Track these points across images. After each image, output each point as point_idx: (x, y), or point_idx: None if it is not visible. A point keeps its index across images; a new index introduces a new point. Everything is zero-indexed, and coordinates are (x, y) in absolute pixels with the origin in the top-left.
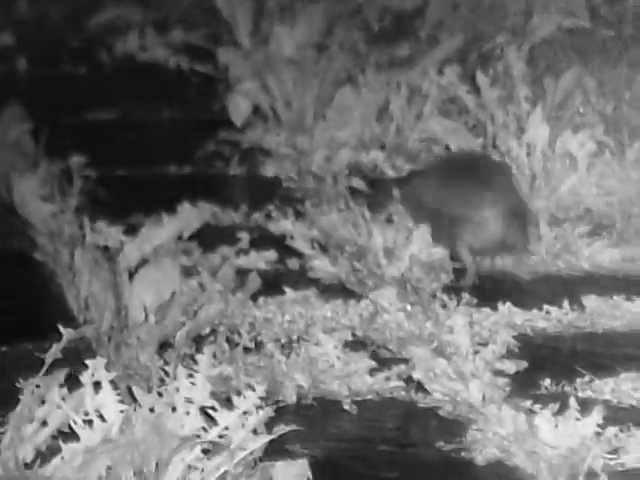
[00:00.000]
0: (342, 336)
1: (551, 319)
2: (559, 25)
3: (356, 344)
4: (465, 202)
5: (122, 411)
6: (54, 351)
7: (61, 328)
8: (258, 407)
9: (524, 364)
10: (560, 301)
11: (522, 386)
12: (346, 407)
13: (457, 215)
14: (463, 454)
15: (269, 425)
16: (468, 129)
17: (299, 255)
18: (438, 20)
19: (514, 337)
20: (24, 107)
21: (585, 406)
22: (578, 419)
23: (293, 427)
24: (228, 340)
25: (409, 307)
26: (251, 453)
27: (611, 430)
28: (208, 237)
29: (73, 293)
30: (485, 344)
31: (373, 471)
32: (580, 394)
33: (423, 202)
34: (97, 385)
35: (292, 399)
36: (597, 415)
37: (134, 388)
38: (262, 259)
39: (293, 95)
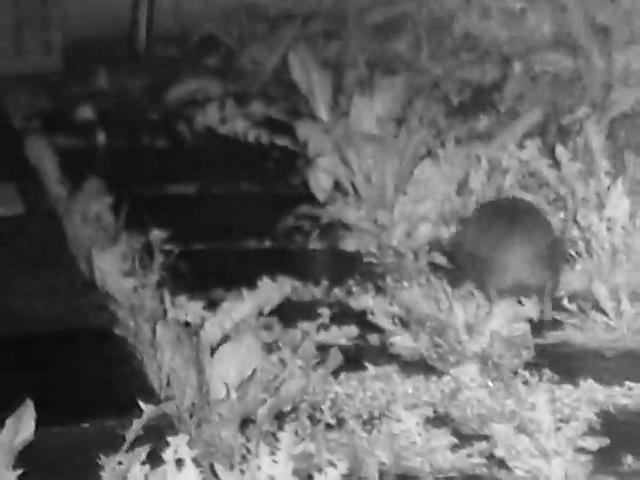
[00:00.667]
0: (423, 412)
1: (633, 395)
2: (638, 98)
3: (437, 420)
4: (492, 245)
5: None
6: (135, 428)
7: (142, 404)
8: None
9: (606, 441)
10: None
11: (604, 463)
12: None
13: (486, 258)
14: None
15: None
16: (548, 203)
17: (380, 331)
18: (517, 93)
19: (596, 414)
20: (104, 181)
21: None
22: None
23: None
24: (310, 417)
25: (490, 383)
26: None
27: None
28: (289, 312)
29: (154, 369)
30: (567, 421)
31: None
32: None
33: (463, 247)
34: (179, 462)
35: (374, 476)
36: None
37: (216, 465)
38: (343, 335)
39: (373, 169)
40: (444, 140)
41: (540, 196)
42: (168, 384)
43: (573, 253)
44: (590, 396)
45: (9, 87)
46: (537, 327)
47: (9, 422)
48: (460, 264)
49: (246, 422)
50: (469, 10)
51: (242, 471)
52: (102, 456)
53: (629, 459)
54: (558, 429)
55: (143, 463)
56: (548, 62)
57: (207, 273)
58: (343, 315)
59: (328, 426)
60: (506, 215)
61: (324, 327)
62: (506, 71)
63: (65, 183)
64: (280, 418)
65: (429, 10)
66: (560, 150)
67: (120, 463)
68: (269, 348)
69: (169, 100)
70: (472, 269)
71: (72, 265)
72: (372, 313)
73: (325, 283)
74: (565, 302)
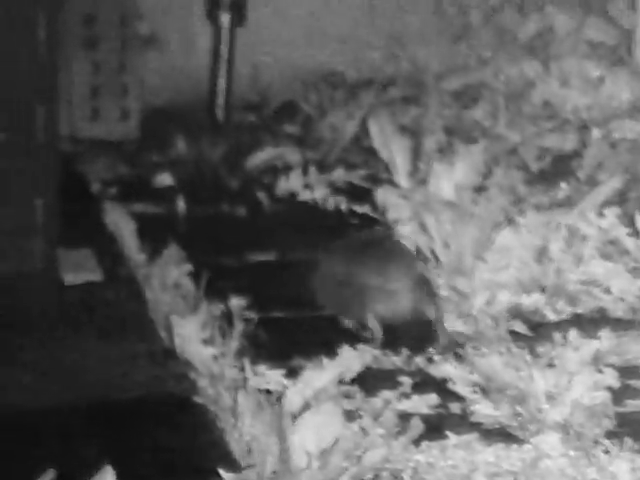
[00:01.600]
0: None
1: None
2: None
3: None
4: (376, 274)
5: None
6: None
7: (223, 473)
8: None
9: None
10: None
11: None
12: None
13: (368, 286)
14: None
15: None
16: (629, 271)
17: (461, 399)
18: (597, 161)
19: None
20: (183, 248)
21: None
22: None
23: None
24: None
25: (572, 452)
26: None
27: None
28: (369, 381)
29: (235, 437)
30: None
31: None
32: None
33: (330, 277)
34: None
35: None
36: None
37: None
38: (424, 403)
39: (452, 236)
40: (523, 207)
41: (620, 264)
42: (249, 452)
43: None
44: None
45: (87, 153)
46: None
47: None
48: (323, 294)
49: None
50: (547, 77)
51: None
52: None
53: None
54: None
55: None
56: (627, 129)
57: (287, 341)
58: (424, 383)
59: None
60: (376, 247)
61: (405, 395)
62: (585, 138)
63: (144, 250)
64: None
65: (506, 77)
66: None
67: None
68: (350, 416)
69: (248, 167)
70: (345, 297)
71: (152, 333)
72: (452, 381)
73: (406, 351)
74: None
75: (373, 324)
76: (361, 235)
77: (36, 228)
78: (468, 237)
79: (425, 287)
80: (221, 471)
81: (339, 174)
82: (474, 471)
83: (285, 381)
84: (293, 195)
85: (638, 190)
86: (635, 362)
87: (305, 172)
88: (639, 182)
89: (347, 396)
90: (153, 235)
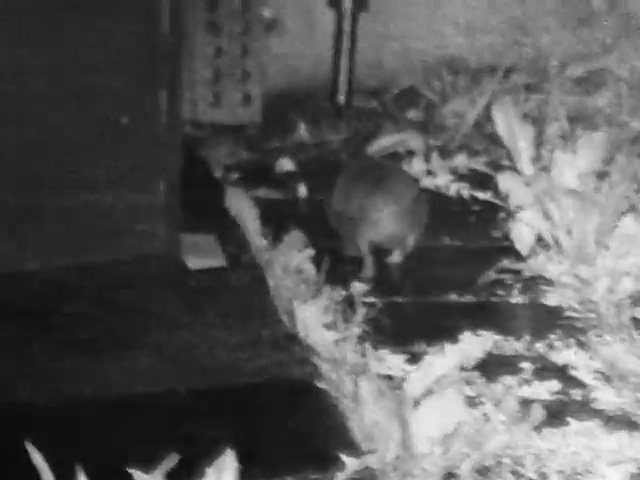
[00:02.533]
0: (628, 469)
1: None
2: None
3: None
4: (359, 203)
5: None
6: None
7: (345, 458)
8: None
9: None
10: None
11: None
12: None
13: (356, 216)
14: None
15: None
16: None
17: (582, 385)
18: None
19: None
20: (305, 233)
21: None
22: None
23: None
24: (512, 472)
25: None
26: None
27: None
28: (491, 367)
29: (357, 422)
30: None
31: None
32: None
33: (332, 207)
34: None
35: None
36: None
37: None
38: (545, 389)
39: (574, 223)
40: None
41: None
42: (370, 437)
43: None
44: None
45: (209, 138)
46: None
47: (210, 471)
48: (331, 223)
49: (449, 476)
50: None
51: None
52: None
53: None
54: None
55: None
56: None
57: (409, 326)
58: (545, 370)
59: None
60: (370, 174)
61: (526, 382)
62: None
63: (266, 235)
64: (483, 473)
65: (630, 64)
66: None
67: None
68: (471, 402)
69: (370, 153)
70: (342, 226)
71: (274, 318)
72: (574, 368)
73: (527, 337)
74: None
75: (364, 256)
76: (356, 165)
77: (159, 212)
78: (590, 224)
79: (412, 213)
80: (343, 456)
81: (461, 160)
82: (596, 458)
83: (406, 366)
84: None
85: None
86: None
87: (427, 158)
88: None
89: (468, 382)
90: (275, 220)
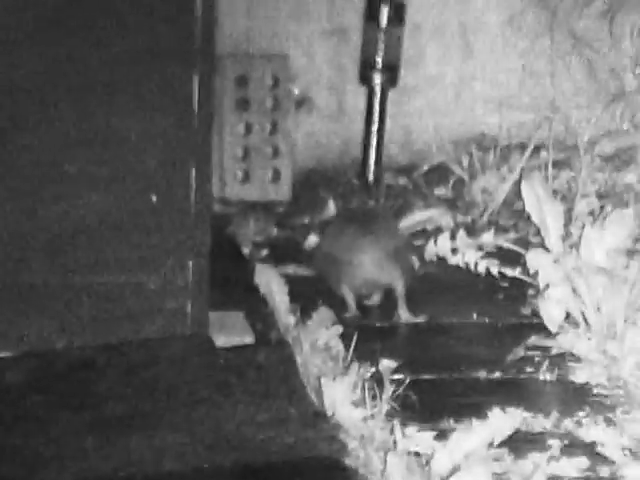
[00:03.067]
0: None
1: None
2: None
3: None
4: (345, 246)
5: None
6: None
7: None
8: None
9: None
10: None
11: None
12: None
13: (340, 259)
14: None
15: None
16: None
17: (611, 463)
18: None
19: None
20: (333, 310)
21: None
22: None
23: None
24: None
25: None
26: None
27: None
28: (519, 444)
29: None
30: None
31: None
32: None
33: (321, 249)
34: None
35: None
36: None
37: None
38: (573, 467)
39: (603, 301)
40: None
41: None
42: None
43: None
44: None
45: (238, 215)
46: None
47: None
48: (318, 266)
49: None
50: None
51: None
52: None
53: None
54: None
55: None
56: None
57: (437, 403)
58: (573, 447)
59: None
60: (358, 220)
61: (554, 459)
62: None
63: (294, 312)
64: None
65: None
66: None
67: None
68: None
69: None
70: (328, 269)
71: (302, 395)
72: (602, 445)
73: (555, 414)
74: None
75: (347, 297)
76: (349, 211)
77: (188, 290)
78: (619, 301)
79: (397, 260)
80: None
81: (489, 237)
82: None
83: (435, 443)
84: (444, 258)
85: None
86: None
87: (454, 236)
88: None
89: (496, 459)
90: (303, 297)
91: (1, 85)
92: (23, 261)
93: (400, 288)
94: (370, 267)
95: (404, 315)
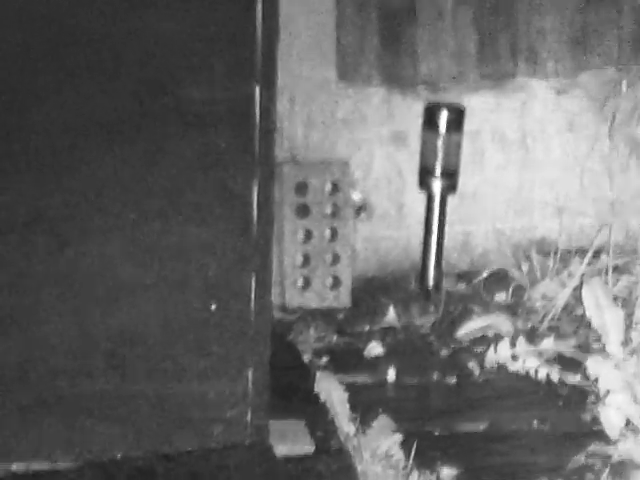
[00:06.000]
0: None
1: None
2: None
3: None
4: None
5: None
6: None
7: None
8: None
9: None
10: None
11: None
12: None
13: None
14: None
15: None
16: None
17: None
18: None
19: None
20: (393, 417)
21: None
22: None
23: None
24: None
25: None
26: None
27: None
28: None
29: None
30: None
31: None
32: None
33: None
34: None
35: None
36: None
37: None
38: None
39: None
40: None
41: None
42: None
43: None
44: None
45: (298, 322)
46: None
47: None
48: None
49: None
50: None
51: None
52: None
53: None
54: None
55: None
56: None
57: None
58: None
59: None
60: None
61: None
62: None
63: (355, 420)
64: None
65: None
66: None
67: None
68: None
69: (459, 336)
70: None
71: None
72: None
73: None
74: None
75: None
76: None
77: (248, 399)
78: None
79: None
80: None
81: (549, 344)
82: None
83: None
84: (504, 365)
85: None
86: None
87: (514, 343)
88: None
89: None
90: (364, 405)
91: (60, 196)
92: (83, 370)
93: None
94: None
95: None
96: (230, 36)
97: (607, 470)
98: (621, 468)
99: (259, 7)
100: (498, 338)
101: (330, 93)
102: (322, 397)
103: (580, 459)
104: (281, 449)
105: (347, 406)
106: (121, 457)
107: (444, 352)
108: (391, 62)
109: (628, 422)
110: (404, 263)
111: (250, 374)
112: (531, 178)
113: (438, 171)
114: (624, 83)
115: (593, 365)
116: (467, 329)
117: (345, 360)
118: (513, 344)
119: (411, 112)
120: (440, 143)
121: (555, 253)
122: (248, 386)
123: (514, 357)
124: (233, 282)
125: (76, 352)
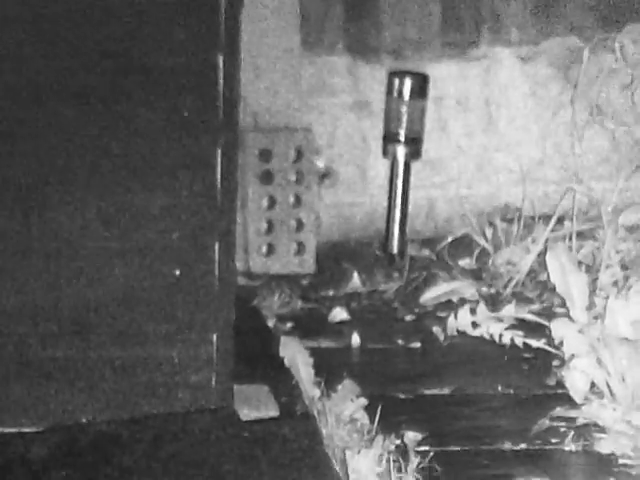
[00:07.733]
0: None
1: None
2: None
3: None
4: None
5: None
6: None
7: None
8: None
9: None
10: None
11: None
12: None
13: None
14: None
15: None
16: None
17: None
18: None
19: None
20: (358, 382)
21: None
22: None
23: None
24: None
25: None
26: None
27: None
28: None
29: None
30: None
31: None
32: None
33: None
34: None
35: None
36: None
37: None
38: None
39: (628, 371)
40: None
41: None
42: None
43: None
44: None
45: (262, 288)
46: None
47: None
48: None
49: None
50: None
51: None
52: None
53: None
54: None
55: None
56: None
57: (462, 475)
58: None
59: None
60: None
61: None
62: None
63: (319, 384)
64: None
65: None
66: None
67: None
68: None
69: (424, 302)
70: None
71: (327, 467)
72: None
73: None
74: None
75: None
76: None
77: (212, 364)
78: None
79: None
80: None
81: (510, 310)
82: None
83: None
84: (466, 331)
85: None
86: None
87: (474, 310)
88: None
89: None
90: (328, 369)
91: (24, 165)
92: (47, 336)
93: None
94: None
95: None
96: (194, 4)
97: (572, 433)
98: (586, 431)
99: None
100: (462, 303)
101: (294, 61)
102: (287, 362)
103: (545, 422)
104: (246, 413)
105: (312, 371)
106: (85, 422)
107: (408, 317)
108: (355, 30)
109: (592, 385)
110: (368, 229)
111: (214, 339)
112: (495, 145)
113: (402, 137)
114: (587, 50)
115: (558, 329)
116: (431, 294)
117: (310, 326)
118: (473, 311)
119: (375, 80)
120: (404, 110)
121: (519, 219)
122: (213, 351)
123: (474, 324)
124: (197, 248)
125: (40, 318)
